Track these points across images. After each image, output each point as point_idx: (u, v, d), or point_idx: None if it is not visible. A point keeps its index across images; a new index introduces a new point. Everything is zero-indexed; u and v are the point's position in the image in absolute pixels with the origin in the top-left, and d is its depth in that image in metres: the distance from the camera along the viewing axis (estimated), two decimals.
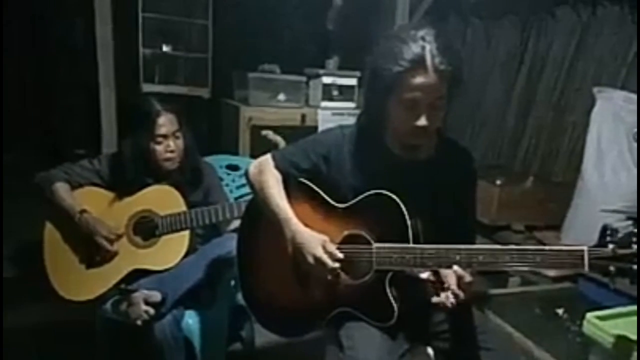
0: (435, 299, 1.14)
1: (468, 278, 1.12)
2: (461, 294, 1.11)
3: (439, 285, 1.17)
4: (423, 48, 1.10)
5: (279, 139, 2.57)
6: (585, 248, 1.03)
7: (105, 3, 2.31)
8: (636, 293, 1.65)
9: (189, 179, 1.78)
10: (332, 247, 1.24)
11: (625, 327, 1.62)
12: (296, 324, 1.38)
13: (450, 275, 1.13)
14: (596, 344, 1.64)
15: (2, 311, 2.03)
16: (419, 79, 1.11)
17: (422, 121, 1.15)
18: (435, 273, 1.27)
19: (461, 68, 1.15)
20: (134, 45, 3.37)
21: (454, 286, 1.11)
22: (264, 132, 2.70)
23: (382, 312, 1.22)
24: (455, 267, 1.12)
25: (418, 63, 1.10)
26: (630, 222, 2.57)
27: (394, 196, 1.20)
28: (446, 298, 1.12)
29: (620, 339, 1.58)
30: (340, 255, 1.23)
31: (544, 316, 2.04)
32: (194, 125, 1.81)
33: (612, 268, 1.00)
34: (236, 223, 1.76)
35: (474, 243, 1.31)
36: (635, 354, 1.49)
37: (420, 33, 1.12)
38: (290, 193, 1.34)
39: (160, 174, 1.73)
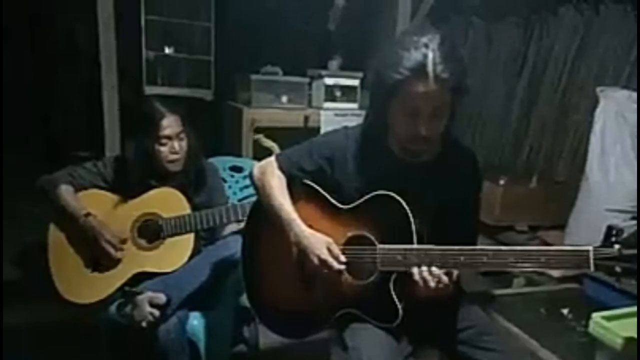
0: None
1: (444, 279, 1.14)
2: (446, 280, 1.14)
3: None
4: (425, 56, 1.07)
5: (274, 145, 2.57)
6: (590, 248, 1.03)
7: (108, 6, 2.32)
8: None
9: (193, 181, 1.78)
10: (337, 250, 1.24)
11: (631, 328, 1.61)
12: (300, 325, 1.38)
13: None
14: (602, 344, 1.63)
15: (2, 312, 2.04)
16: (419, 88, 1.08)
17: (422, 131, 1.13)
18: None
19: (465, 75, 1.12)
20: (136, 48, 3.38)
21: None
22: (256, 137, 2.69)
23: (386, 313, 1.22)
24: (434, 268, 1.14)
25: (419, 71, 1.07)
26: (635, 221, 2.56)
27: (397, 197, 1.20)
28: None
29: (627, 339, 1.58)
30: (343, 258, 1.23)
31: (549, 316, 2.03)
32: (197, 127, 1.81)
33: (618, 268, 1.00)
34: (232, 227, 1.77)
35: (475, 244, 1.30)
36: None
37: (424, 40, 1.09)
38: (294, 195, 1.34)
39: (164, 176, 1.73)
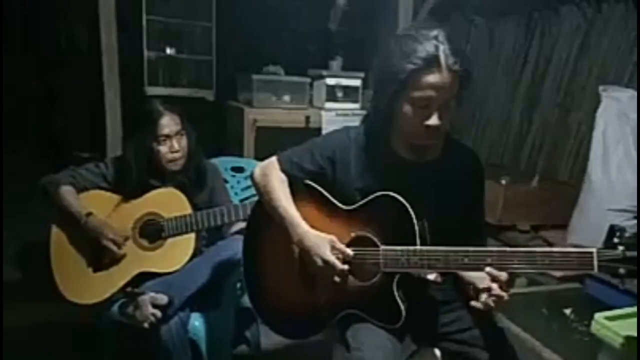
0: (473, 303, 1.12)
1: (504, 276, 1.09)
2: (505, 295, 1.09)
3: (472, 289, 1.16)
4: (437, 47, 1.10)
5: None
6: (594, 250, 1.02)
7: (110, 7, 2.32)
8: None
9: (194, 180, 1.78)
10: (341, 245, 1.23)
11: (632, 327, 1.61)
12: (303, 325, 1.38)
13: (483, 278, 1.11)
14: (605, 344, 1.63)
15: (2, 312, 2.04)
16: (433, 78, 1.11)
17: (434, 120, 1.14)
18: (456, 276, 1.27)
19: (471, 70, 1.15)
20: (138, 48, 3.38)
21: (496, 289, 1.09)
22: None
23: (389, 314, 1.22)
24: (489, 269, 1.09)
25: (432, 62, 1.10)
26: (637, 221, 2.55)
27: (400, 198, 1.20)
28: (486, 299, 1.09)
29: (629, 339, 1.57)
30: (350, 252, 1.23)
31: (551, 316, 2.03)
32: (198, 127, 1.81)
33: (621, 270, 0.99)
34: (239, 225, 1.77)
35: (485, 244, 1.30)
36: None
37: (433, 33, 1.12)
38: (296, 195, 1.34)
39: (165, 175, 1.73)
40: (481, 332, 1.26)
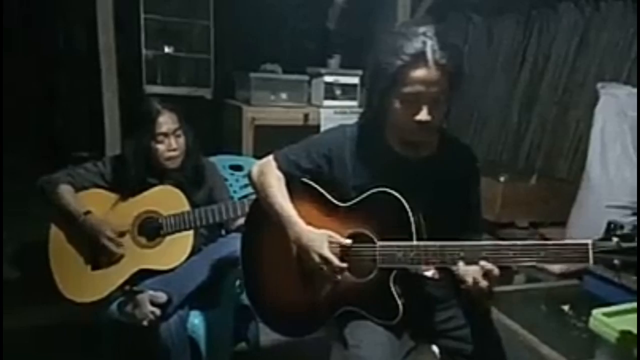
0: (463, 286, 1.14)
1: (496, 271, 1.11)
2: (485, 286, 1.10)
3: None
4: (424, 43, 1.12)
5: None
6: (589, 241, 1.03)
7: (107, 6, 2.32)
8: None
9: (192, 178, 1.78)
10: (338, 237, 1.24)
11: (631, 323, 1.61)
12: (301, 323, 1.38)
13: (472, 271, 1.12)
14: (602, 340, 1.64)
15: (2, 312, 2.04)
16: (420, 73, 1.12)
17: (424, 115, 1.15)
18: (448, 271, 1.28)
19: (462, 64, 1.16)
20: (136, 47, 3.38)
21: (482, 280, 1.10)
22: None
23: (386, 311, 1.22)
24: (483, 262, 1.11)
25: (419, 57, 1.12)
26: (635, 217, 2.56)
27: (396, 194, 1.20)
28: (471, 283, 1.12)
29: (626, 334, 1.58)
30: (347, 241, 1.24)
31: (550, 313, 2.03)
32: (197, 126, 1.82)
33: (616, 261, 1.00)
34: (242, 220, 1.77)
35: (481, 239, 1.30)
36: None
37: (421, 29, 1.14)
38: (293, 193, 1.34)
39: (163, 173, 1.74)
40: (471, 329, 1.27)
